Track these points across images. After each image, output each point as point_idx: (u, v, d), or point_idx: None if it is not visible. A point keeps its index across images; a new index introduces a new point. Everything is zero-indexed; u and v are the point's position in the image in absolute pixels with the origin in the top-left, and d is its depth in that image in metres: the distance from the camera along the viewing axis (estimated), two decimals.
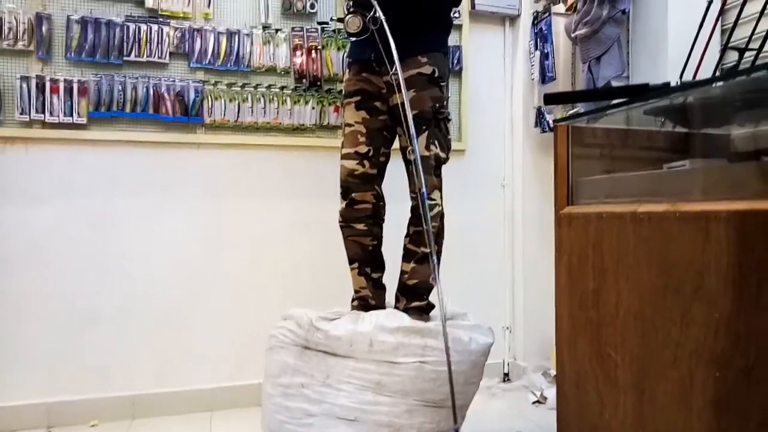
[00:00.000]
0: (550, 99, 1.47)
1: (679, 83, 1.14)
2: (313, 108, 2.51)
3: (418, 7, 1.89)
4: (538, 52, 2.59)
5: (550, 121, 2.59)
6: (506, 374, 2.82)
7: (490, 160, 2.81)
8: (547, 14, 2.56)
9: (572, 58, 2.63)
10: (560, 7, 2.55)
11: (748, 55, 1.74)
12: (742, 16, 1.90)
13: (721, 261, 0.99)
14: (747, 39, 1.76)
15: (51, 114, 2.20)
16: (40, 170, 2.21)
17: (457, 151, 2.65)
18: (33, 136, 2.19)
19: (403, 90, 1.71)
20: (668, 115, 1.30)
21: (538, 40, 2.60)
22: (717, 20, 1.97)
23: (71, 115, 2.23)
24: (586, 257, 1.30)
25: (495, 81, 2.79)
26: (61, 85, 2.21)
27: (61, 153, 2.23)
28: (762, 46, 1.35)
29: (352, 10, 1.83)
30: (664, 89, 1.12)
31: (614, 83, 2.26)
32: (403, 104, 1.72)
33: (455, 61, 2.66)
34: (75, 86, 2.22)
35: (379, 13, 1.72)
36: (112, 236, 2.29)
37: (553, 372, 2.63)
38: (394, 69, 1.68)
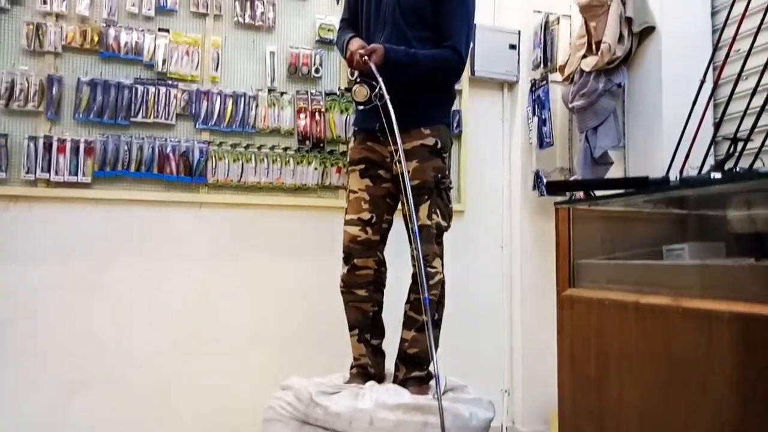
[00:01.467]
0: (553, 187, 1.52)
1: (678, 178, 1.17)
2: (316, 169, 2.54)
3: (422, 81, 1.94)
4: (536, 118, 2.66)
5: None
6: None
7: (489, 221, 2.84)
8: (544, 82, 2.64)
9: (569, 124, 2.69)
10: (557, 76, 2.63)
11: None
12: (736, 91, 1.97)
13: (725, 362, 1.00)
14: (738, 120, 1.83)
15: (56, 173, 2.22)
16: (42, 229, 2.21)
17: (456, 212, 2.65)
18: (37, 195, 2.21)
19: (404, 165, 1.73)
20: (667, 203, 1.33)
21: (536, 106, 2.67)
22: (710, 99, 2.04)
23: (76, 174, 2.25)
24: (588, 343, 1.31)
25: (494, 144, 2.85)
26: (68, 145, 2.23)
27: (63, 211, 2.24)
28: (750, 133, 1.40)
29: (359, 80, 1.89)
30: (663, 185, 1.16)
31: (611, 153, 2.32)
32: (403, 175, 1.75)
33: (455, 125, 2.71)
34: (82, 146, 2.25)
35: (384, 91, 1.77)
36: (108, 297, 2.27)
37: None
38: (398, 155, 1.72)
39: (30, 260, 2.19)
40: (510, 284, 2.85)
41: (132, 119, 2.31)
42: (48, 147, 2.21)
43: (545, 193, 2.64)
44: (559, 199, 1.51)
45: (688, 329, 1.06)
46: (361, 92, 1.87)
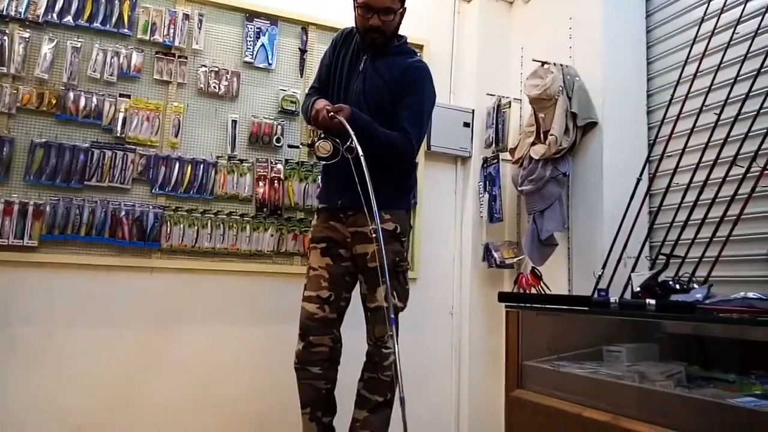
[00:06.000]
0: (505, 298, 1.60)
1: (617, 301, 1.29)
2: (272, 235, 2.56)
3: (375, 154, 1.97)
4: (486, 194, 2.79)
5: (498, 258, 2.75)
6: None
7: (440, 288, 2.92)
8: (495, 160, 2.78)
9: (518, 200, 2.84)
10: (508, 155, 2.77)
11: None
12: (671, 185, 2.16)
13: None
14: (674, 211, 2.00)
15: (0, 236, 2.14)
16: None
17: (409, 279, 2.74)
18: None
19: (378, 228, 1.71)
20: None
21: (487, 182, 2.81)
22: (647, 193, 2.21)
23: (22, 238, 2.17)
24: None
25: (447, 215, 2.96)
26: (15, 207, 2.16)
27: (6, 275, 2.16)
28: (673, 247, 1.54)
29: (322, 136, 1.93)
30: (604, 307, 1.27)
31: (556, 235, 2.46)
32: (377, 236, 1.72)
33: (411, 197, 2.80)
34: (30, 208, 2.18)
35: (356, 143, 1.79)
36: (52, 362, 2.18)
37: None
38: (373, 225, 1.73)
39: None
40: (459, 348, 2.92)
41: (86, 182, 2.27)
42: None
43: (494, 265, 2.76)
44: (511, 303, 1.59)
45: None
46: (324, 147, 1.89)
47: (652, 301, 1.26)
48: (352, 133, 1.80)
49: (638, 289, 1.49)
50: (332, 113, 1.87)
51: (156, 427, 2.30)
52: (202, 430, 2.36)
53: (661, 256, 1.68)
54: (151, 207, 2.36)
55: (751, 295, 1.16)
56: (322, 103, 1.95)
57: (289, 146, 2.58)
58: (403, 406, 1.58)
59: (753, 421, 1.00)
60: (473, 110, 2.92)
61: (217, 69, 2.50)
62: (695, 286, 1.44)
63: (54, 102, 2.23)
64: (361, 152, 1.76)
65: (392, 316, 1.97)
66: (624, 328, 1.58)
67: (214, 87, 2.48)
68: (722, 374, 1.40)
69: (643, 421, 1.15)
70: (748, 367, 1.38)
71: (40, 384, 2.17)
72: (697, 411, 1.08)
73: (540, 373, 1.46)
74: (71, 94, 2.26)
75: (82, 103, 2.27)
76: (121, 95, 2.34)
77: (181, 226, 2.41)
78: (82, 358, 2.24)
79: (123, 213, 2.32)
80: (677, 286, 1.44)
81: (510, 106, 2.80)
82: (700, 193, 2.02)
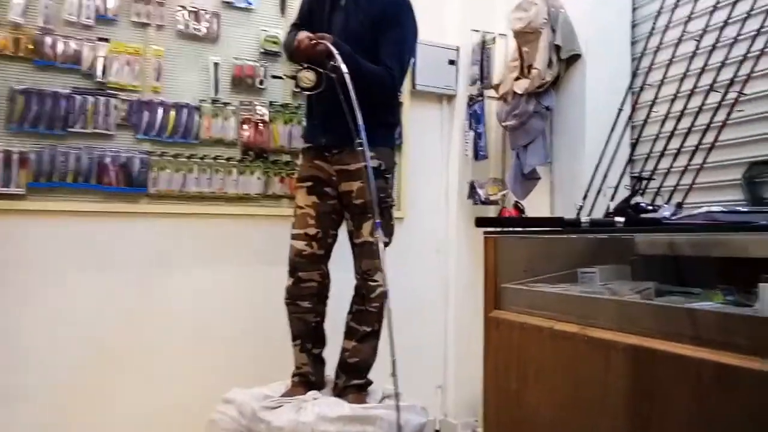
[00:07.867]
0: (482, 223, 1.65)
1: (588, 221, 1.34)
2: (259, 178, 2.58)
3: (356, 87, 1.98)
4: (472, 132, 2.80)
5: (482, 195, 2.79)
6: (437, 431, 2.95)
7: (426, 227, 2.97)
8: (481, 98, 2.78)
9: (503, 138, 2.86)
10: (493, 92, 2.77)
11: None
12: (650, 116, 2.19)
13: (619, 384, 1.17)
14: (651, 142, 2.03)
15: None
16: None
17: (396, 218, 2.77)
18: None
19: (365, 143, 1.77)
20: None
21: (473, 120, 2.82)
22: (627, 123, 2.24)
23: (8, 186, 2.19)
24: (510, 361, 1.46)
25: (432, 155, 2.97)
26: (0, 156, 2.17)
27: None
28: (652, 174, 1.57)
29: (305, 66, 1.94)
30: (576, 226, 1.32)
31: (539, 169, 2.49)
32: (367, 168, 1.77)
33: (396, 136, 2.81)
34: (15, 157, 2.19)
35: (340, 62, 1.81)
36: (44, 308, 2.22)
37: (481, 431, 2.79)
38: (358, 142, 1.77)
39: None
40: (446, 286, 3.00)
41: (69, 129, 2.27)
42: None
43: (479, 202, 2.81)
44: (489, 228, 1.65)
45: (592, 354, 1.23)
46: (308, 77, 1.90)
47: (621, 219, 1.31)
48: (335, 51, 1.80)
49: (611, 211, 1.54)
50: (315, 41, 1.87)
51: (149, 367, 2.37)
52: (198, 369, 2.43)
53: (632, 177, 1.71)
54: (136, 153, 2.37)
55: (714, 209, 1.21)
56: (304, 34, 1.94)
57: (273, 77, 2.54)
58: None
59: (708, 322, 1.06)
60: (458, 47, 2.89)
61: (196, 10, 2.45)
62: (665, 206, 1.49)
63: (31, 47, 2.20)
64: (345, 69, 1.77)
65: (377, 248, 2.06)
66: (598, 251, 1.64)
67: (194, 29, 2.45)
68: (690, 289, 1.46)
69: (606, 329, 1.22)
70: (716, 283, 1.44)
71: (33, 327, 2.22)
72: (656, 315, 1.15)
73: (516, 294, 1.52)
74: (48, 39, 2.22)
75: (60, 48, 2.24)
76: (99, 39, 2.30)
77: (168, 171, 2.42)
78: (76, 302, 2.28)
79: (109, 159, 2.33)
80: (649, 207, 1.49)
81: (495, 42, 2.77)
82: (678, 122, 2.05)
